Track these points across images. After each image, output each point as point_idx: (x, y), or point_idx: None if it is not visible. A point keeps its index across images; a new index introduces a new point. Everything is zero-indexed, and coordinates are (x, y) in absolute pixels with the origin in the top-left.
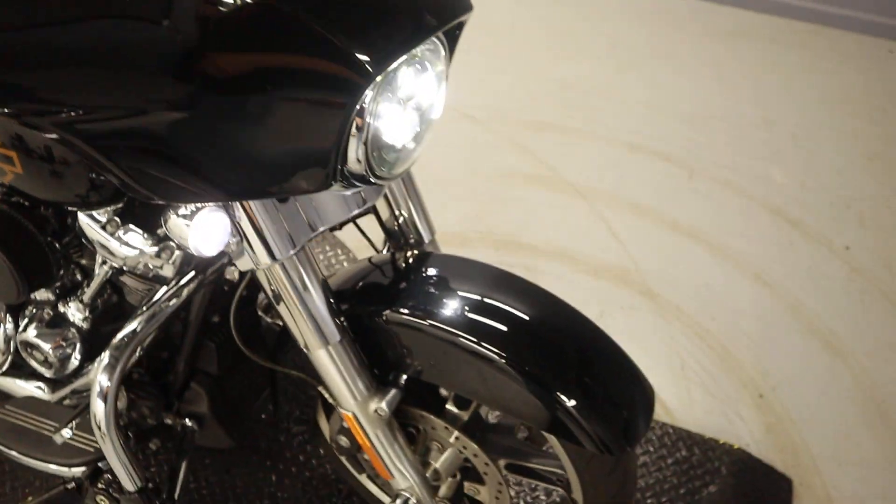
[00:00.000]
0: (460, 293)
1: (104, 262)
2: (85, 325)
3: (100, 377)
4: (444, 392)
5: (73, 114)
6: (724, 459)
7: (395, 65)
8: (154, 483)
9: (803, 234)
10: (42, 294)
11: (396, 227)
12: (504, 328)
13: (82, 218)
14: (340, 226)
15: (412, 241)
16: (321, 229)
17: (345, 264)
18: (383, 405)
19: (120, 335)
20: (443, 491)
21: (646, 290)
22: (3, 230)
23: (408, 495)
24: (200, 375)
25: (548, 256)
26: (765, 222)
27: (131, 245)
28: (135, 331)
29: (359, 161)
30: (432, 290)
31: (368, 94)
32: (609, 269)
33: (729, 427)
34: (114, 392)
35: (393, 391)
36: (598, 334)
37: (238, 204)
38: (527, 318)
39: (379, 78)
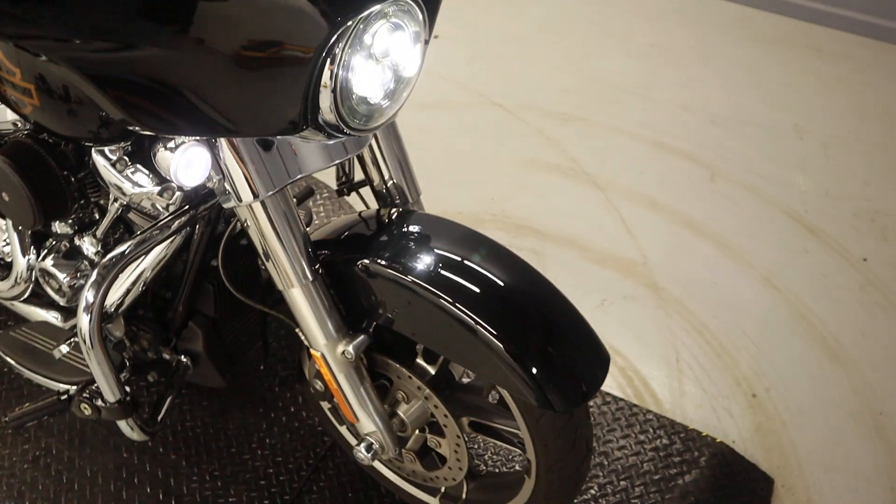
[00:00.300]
0: (434, 250)
1: (115, 200)
2: (97, 259)
3: (86, 293)
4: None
5: (70, 44)
6: (705, 452)
7: (361, 17)
8: (135, 400)
9: (821, 242)
10: (62, 228)
11: (384, 189)
12: (470, 286)
13: (95, 155)
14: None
15: (398, 200)
16: (301, 175)
17: None
18: (350, 348)
19: (109, 256)
20: (410, 444)
21: (651, 282)
22: (25, 161)
23: (371, 440)
24: (199, 316)
25: (558, 242)
26: (782, 227)
27: (137, 183)
28: (122, 253)
29: (330, 110)
30: (408, 245)
31: (340, 45)
32: (617, 259)
33: (717, 423)
34: (98, 307)
35: (361, 336)
36: (560, 300)
37: (223, 142)
38: (493, 278)
39: (346, 29)
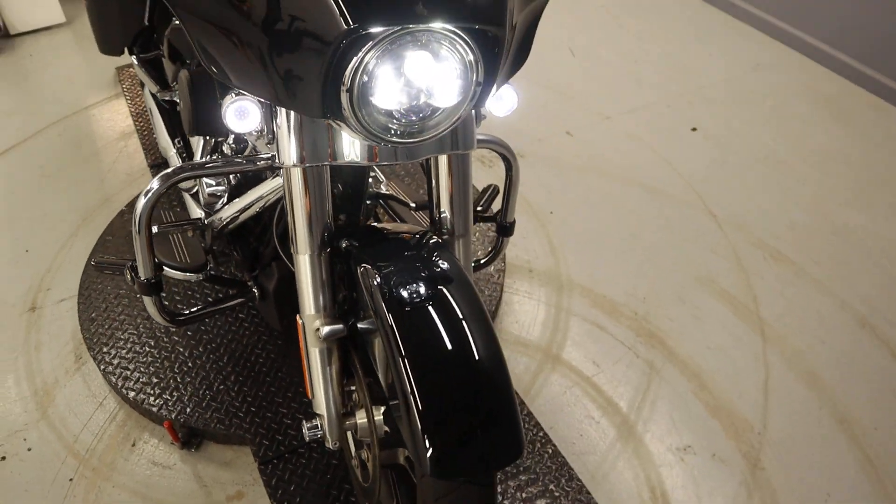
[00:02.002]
0: (422, 291)
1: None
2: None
3: (152, 181)
4: None
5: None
6: None
7: (383, 34)
8: (159, 285)
9: None
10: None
11: (433, 213)
12: (430, 340)
13: None
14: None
15: (444, 230)
16: (342, 161)
17: None
18: (324, 329)
19: (182, 165)
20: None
21: (754, 456)
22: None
23: (316, 422)
24: (281, 261)
25: (681, 368)
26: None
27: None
28: (195, 165)
29: (347, 109)
30: (409, 274)
31: (359, 50)
32: (732, 415)
33: None
34: (152, 197)
35: (339, 326)
36: (503, 385)
37: (280, 108)
38: (454, 343)
39: (360, 37)
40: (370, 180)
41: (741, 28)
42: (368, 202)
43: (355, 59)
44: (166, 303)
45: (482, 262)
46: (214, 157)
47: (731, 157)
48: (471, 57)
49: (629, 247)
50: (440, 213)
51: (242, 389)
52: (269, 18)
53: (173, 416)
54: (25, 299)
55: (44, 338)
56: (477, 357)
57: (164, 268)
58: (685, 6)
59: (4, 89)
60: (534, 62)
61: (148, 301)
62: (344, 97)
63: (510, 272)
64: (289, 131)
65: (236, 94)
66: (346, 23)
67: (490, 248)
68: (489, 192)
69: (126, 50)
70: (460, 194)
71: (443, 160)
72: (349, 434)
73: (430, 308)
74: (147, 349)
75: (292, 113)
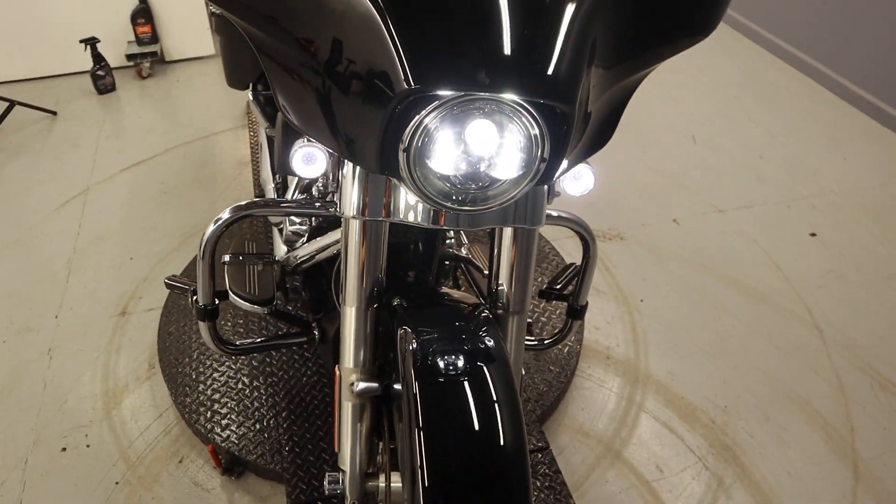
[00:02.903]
0: (458, 367)
1: None
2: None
3: (224, 211)
4: None
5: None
6: None
7: (444, 99)
8: (215, 313)
9: None
10: None
11: (494, 288)
12: (453, 417)
13: None
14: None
15: (499, 304)
16: (398, 219)
17: None
18: (359, 385)
19: (255, 200)
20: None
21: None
22: None
23: (339, 478)
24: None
25: (744, 483)
26: None
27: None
28: (265, 202)
29: (403, 168)
30: (446, 345)
31: (425, 112)
32: None
33: None
34: (217, 230)
35: (374, 384)
36: (520, 478)
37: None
38: (476, 428)
39: (420, 98)
40: (451, 241)
41: (884, 135)
42: (447, 263)
43: (416, 119)
44: (226, 330)
45: (546, 341)
46: (286, 198)
47: (850, 271)
48: (535, 131)
49: (718, 350)
50: (498, 286)
51: (292, 428)
52: (335, 66)
53: (219, 441)
54: (119, 303)
55: (125, 342)
56: (496, 444)
57: (232, 296)
58: (827, 105)
59: (149, 108)
60: (652, 145)
61: (203, 326)
62: (401, 156)
63: (586, 356)
64: (352, 182)
65: (308, 140)
66: (409, 83)
67: (557, 330)
68: (569, 272)
69: (250, 85)
70: (521, 270)
71: (507, 232)
72: (372, 496)
73: (459, 384)
74: (210, 371)
75: (359, 169)
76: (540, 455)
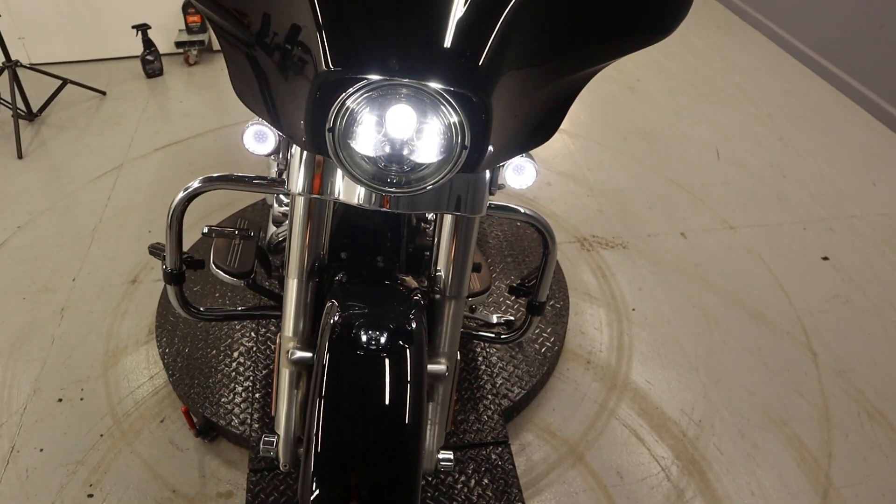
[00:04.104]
0: (371, 344)
1: None
2: None
3: (192, 183)
4: None
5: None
6: None
7: (363, 84)
8: (182, 277)
9: None
10: None
11: (433, 273)
12: (355, 392)
13: None
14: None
15: (436, 288)
16: (340, 198)
17: None
18: (295, 353)
19: (217, 175)
20: None
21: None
22: None
23: (273, 442)
24: None
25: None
26: None
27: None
28: (224, 177)
29: (329, 148)
30: (369, 323)
31: (345, 95)
32: None
33: None
34: (183, 199)
35: (309, 354)
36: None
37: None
38: (375, 405)
39: (338, 80)
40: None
41: None
42: (426, 254)
43: (338, 100)
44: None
45: (502, 336)
46: (248, 175)
47: (858, 297)
48: (454, 119)
49: (704, 364)
50: (436, 272)
51: (264, 399)
52: (266, 41)
53: (196, 406)
54: (132, 272)
55: (132, 308)
56: (391, 421)
57: (213, 267)
58: (867, 130)
59: (191, 94)
60: (673, 156)
61: (170, 290)
62: (327, 136)
63: (566, 358)
64: (299, 161)
65: (259, 119)
66: (328, 65)
67: (519, 325)
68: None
69: None
70: (460, 256)
71: (448, 220)
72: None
73: (365, 359)
74: (198, 342)
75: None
76: (499, 448)
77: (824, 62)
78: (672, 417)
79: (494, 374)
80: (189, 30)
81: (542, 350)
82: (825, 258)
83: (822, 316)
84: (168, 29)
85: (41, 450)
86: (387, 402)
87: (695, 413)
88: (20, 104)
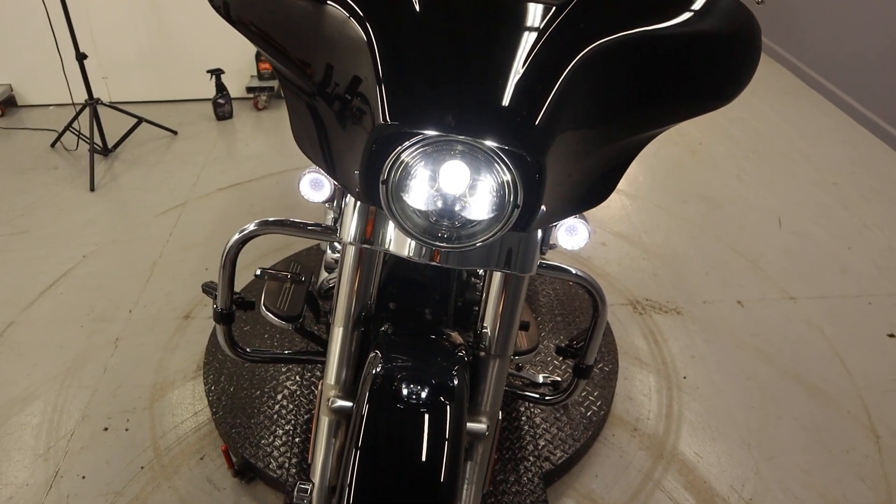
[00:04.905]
0: (413, 399)
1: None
2: None
3: (248, 226)
4: None
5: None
6: None
7: (418, 138)
8: (231, 317)
9: None
10: None
11: (479, 330)
12: (393, 447)
13: None
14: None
15: (481, 346)
16: (390, 249)
17: None
18: (336, 402)
19: (273, 220)
20: None
21: None
22: None
23: (307, 489)
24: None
25: None
26: None
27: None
28: (281, 222)
29: (382, 200)
30: (411, 377)
31: (401, 148)
32: None
33: None
34: (242, 237)
35: (349, 403)
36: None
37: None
38: (412, 461)
39: (395, 134)
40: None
41: None
42: (475, 309)
43: (393, 153)
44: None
45: (547, 398)
46: (301, 220)
47: None
48: (507, 177)
49: (757, 439)
50: (482, 328)
51: (306, 446)
52: (326, 91)
53: (236, 446)
54: (186, 308)
55: (182, 343)
56: (426, 478)
57: (263, 309)
58: None
59: (258, 137)
60: (734, 222)
61: (219, 329)
62: (381, 188)
63: (612, 423)
64: (352, 211)
65: (316, 167)
66: (385, 118)
67: (563, 388)
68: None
69: None
70: (507, 315)
71: (497, 277)
72: None
73: (405, 413)
74: (244, 382)
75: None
76: None
77: (894, 131)
78: (720, 493)
79: (537, 436)
80: (260, 76)
81: (588, 413)
82: (891, 335)
83: (887, 396)
84: (241, 74)
85: (83, 477)
86: (423, 458)
87: (745, 490)
88: (97, 139)
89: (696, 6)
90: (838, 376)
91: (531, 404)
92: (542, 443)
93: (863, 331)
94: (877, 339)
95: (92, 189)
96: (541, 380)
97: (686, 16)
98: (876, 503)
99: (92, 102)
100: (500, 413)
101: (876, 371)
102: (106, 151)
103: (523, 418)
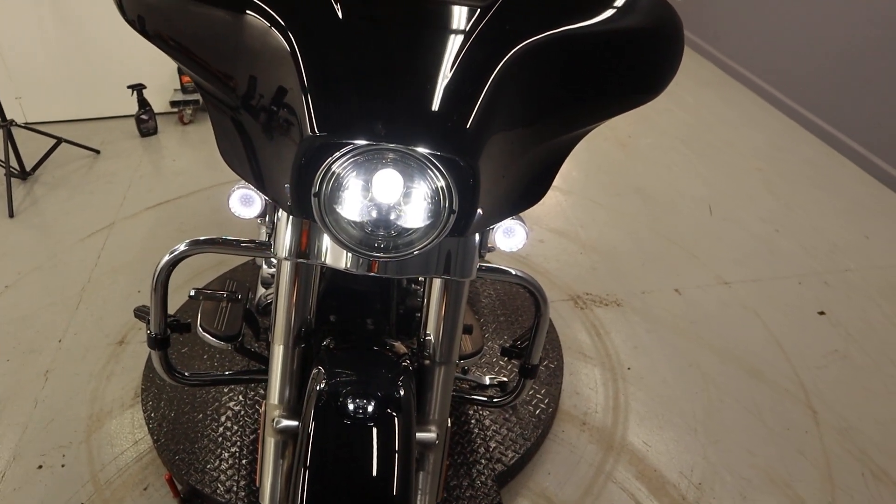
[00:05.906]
0: (359, 414)
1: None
2: None
3: (178, 246)
4: None
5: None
6: None
7: (348, 149)
8: (166, 342)
9: None
10: None
11: (422, 338)
12: (342, 463)
13: None
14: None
15: (426, 353)
16: (326, 263)
17: None
18: (281, 422)
19: (204, 238)
20: None
21: None
22: None
23: None
24: None
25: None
26: None
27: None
28: (211, 240)
29: (315, 211)
30: (356, 391)
31: (331, 159)
32: None
33: None
34: (167, 263)
35: (295, 423)
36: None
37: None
38: (362, 477)
39: (323, 146)
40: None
41: None
42: (417, 315)
43: (323, 165)
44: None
45: (495, 400)
46: (235, 239)
47: (856, 353)
48: (441, 183)
49: (702, 424)
50: (426, 336)
51: (253, 467)
52: (251, 104)
53: (182, 473)
54: (119, 333)
55: (118, 370)
56: (380, 494)
57: (200, 330)
58: (857, 183)
59: (185, 153)
60: (666, 213)
61: (154, 355)
62: (312, 201)
63: (561, 420)
64: (286, 225)
65: (245, 183)
66: (313, 129)
67: (511, 389)
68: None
69: None
70: (450, 321)
71: (437, 284)
72: None
73: (351, 428)
74: (185, 406)
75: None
76: None
77: (812, 116)
78: (671, 480)
79: (488, 438)
80: (184, 89)
81: (537, 412)
82: (821, 313)
83: (821, 372)
84: (163, 88)
85: None
86: (374, 472)
87: (694, 475)
88: (13, 163)
89: (619, 3)
90: (775, 356)
91: (480, 407)
92: (492, 445)
93: (795, 311)
94: (809, 318)
95: (11, 215)
96: (487, 381)
97: (610, 13)
98: (817, 476)
99: (5, 124)
100: (450, 419)
101: (809, 349)
102: (24, 175)
103: (473, 421)
